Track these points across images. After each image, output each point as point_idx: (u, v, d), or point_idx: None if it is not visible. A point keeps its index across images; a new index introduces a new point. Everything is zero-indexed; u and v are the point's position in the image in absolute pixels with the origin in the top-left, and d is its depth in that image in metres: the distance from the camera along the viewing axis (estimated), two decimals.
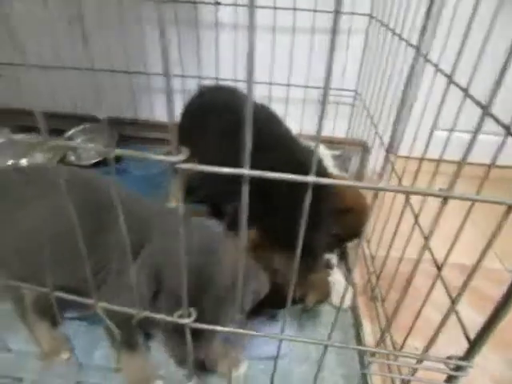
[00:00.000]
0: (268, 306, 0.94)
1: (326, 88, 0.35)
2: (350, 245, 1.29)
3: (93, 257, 0.59)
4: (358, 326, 1.03)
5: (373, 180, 1.39)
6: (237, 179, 0.79)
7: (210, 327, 0.58)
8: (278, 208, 0.91)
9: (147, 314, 0.57)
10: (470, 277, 0.53)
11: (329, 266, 1.19)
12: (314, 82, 1.54)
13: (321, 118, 0.38)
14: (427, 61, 0.84)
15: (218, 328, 0.57)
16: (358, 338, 1.00)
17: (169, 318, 0.57)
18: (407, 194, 0.42)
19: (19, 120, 1.62)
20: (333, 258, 1.18)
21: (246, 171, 0.40)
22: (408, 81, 0.48)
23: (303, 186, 0.83)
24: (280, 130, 1.13)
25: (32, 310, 0.90)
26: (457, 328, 0.61)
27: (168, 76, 0.33)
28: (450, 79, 0.72)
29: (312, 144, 1.21)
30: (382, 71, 1.22)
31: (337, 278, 1.16)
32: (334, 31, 0.33)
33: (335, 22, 0.32)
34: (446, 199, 0.40)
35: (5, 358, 0.85)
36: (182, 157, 0.39)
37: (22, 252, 0.78)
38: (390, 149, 0.52)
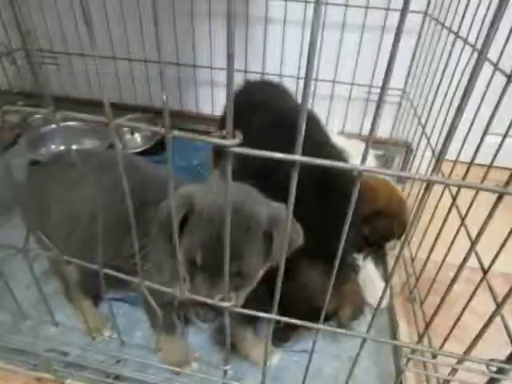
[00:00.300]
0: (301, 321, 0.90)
1: (385, 87, 0.35)
2: (389, 246, 1.28)
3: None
4: (394, 326, 1.02)
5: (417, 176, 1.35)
6: (268, 175, 0.79)
7: (249, 312, 0.60)
8: (306, 216, 0.87)
9: (188, 295, 0.59)
10: None
11: (354, 268, 1.15)
12: (360, 79, 1.52)
13: (374, 119, 0.38)
14: (487, 60, 0.81)
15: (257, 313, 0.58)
16: (394, 338, 0.99)
17: (209, 301, 0.59)
18: (459, 187, 0.41)
19: (72, 108, 1.70)
20: (359, 259, 1.14)
21: (297, 157, 0.40)
22: (470, 83, 0.44)
23: (332, 194, 0.81)
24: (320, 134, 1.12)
25: (77, 289, 0.94)
26: (495, 336, 0.59)
27: (231, 57, 0.34)
28: (509, 79, 0.70)
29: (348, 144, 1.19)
30: (433, 70, 1.20)
31: (372, 277, 1.14)
32: (399, 29, 0.33)
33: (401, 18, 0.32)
34: (501, 197, 0.39)
35: (52, 333, 0.89)
36: (236, 140, 0.40)
37: (71, 231, 0.82)
38: (442, 154, 0.49)
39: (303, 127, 0.39)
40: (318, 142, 0.99)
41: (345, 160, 1.04)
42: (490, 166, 0.80)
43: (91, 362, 0.84)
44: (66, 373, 0.87)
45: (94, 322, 0.91)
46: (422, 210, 1.06)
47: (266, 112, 1.11)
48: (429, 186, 0.40)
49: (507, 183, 0.39)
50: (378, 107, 0.37)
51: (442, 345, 0.79)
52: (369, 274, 1.15)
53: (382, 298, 0.55)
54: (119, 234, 0.74)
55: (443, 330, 0.79)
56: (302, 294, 0.84)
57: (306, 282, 0.84)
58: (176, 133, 0.41)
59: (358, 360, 0.93)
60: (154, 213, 0.69)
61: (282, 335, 0.93)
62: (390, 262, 1.24)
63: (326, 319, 0.89)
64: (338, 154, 1.01)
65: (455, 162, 0.94)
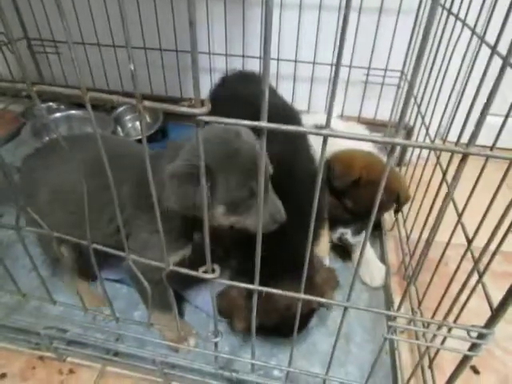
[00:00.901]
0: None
1: None
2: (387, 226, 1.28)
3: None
4: (389, 304, 1.03)
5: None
6: None
7: (233, 283, 0.61)
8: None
9: (175, 268, 0.61)
10: (497, 248, 0.53)
11: (343, 242, 1.15)
12: (359, 61, 1.51)
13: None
14: (484, 43, 0.80)
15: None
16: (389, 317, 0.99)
17: (193, 273, 0.60)
18: (432, 150, 0.41)
19: (75, 97, 1.72)
20: (347, 233, 1.13)
21: (263, 124, 0.41)
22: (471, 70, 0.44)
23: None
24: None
25: (72, 271, 0.97)
26: (482, 307, 0.60)
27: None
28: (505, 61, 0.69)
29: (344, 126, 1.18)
30: (432, 51, 1.19)
31: (369, 257, 1.15)
32: None
33: None
34: (465, 156, 0.40)
35: (53, 313, 0.92)
36: (205, 109, 0.42)
37: (56, 208, 0.84)
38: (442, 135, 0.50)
39: (267, 93, 0.40)
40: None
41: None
42: (492, 147, 0.79)
43: (91, 340, 0.87)
44: (67, 351, 0.90)
45: (92, 302, 0.93)
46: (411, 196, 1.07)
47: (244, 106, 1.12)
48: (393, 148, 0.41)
49: (470, 142, 0.40)
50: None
51: (432, 317, 0.80)
52: (365, 253, 1.16)
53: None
54: (100, 210, 0.77)
55: (440, 307, 0.80)
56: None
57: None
58: (147, 103, 0.43)
59: (352, 336, 0.96)
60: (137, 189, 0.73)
61: None
62: (388, 242, 1.25)
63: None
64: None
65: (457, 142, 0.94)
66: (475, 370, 0.92)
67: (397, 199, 1.12)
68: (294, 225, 0.74)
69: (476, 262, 0.52)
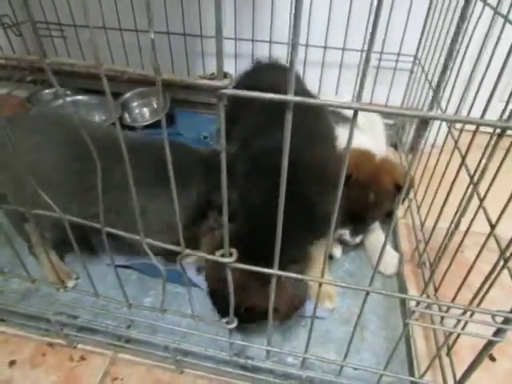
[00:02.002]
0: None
1: None
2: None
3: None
4: (403, 291, 1.01)
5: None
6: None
7: (252, 267, 0.59)
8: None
9: (191, 252, 0.59)
10: None
11: (343, 242, 1.12)
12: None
13: None
14: (508, 21, 0.77)
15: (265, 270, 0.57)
16: (403, 304, 0.98)
17: (209, 256, 0.58)
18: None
19: (81, 83, 1.70)
20: (345, 234, 1.10)
21: (289, 97, 0.39)
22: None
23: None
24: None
25: (40, 243, 0.96)
26: (501, 295, 0.58)
27: None
28: None
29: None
30: (446, 34, 1.16)
31: (381, 242, 1.13)
32: None
33: None
34: (503, 131, 0.37)
35: (62, 296, 0.91)
36: (227, 82, 0.39)
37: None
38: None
39: (294, 64, 0.37)
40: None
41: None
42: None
43: (102, 326, 0.86)
44: (77, 337, 0.89)
45: (58, 273, 0.90)
46: (426, 182, 1.04)
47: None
48: (427, 122, 0.39)
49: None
50: None
51: (455, 296, 0.78)
52: (378, 240, 1.14)
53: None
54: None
55: (452, 295, 0.78)
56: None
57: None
58: (166, 76, 0.40)
59: (367, 324, 0.95)
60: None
61: None
62: (401, 230, 1.23)
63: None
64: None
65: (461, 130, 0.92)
66: (491, 357, 0.90)
67: (397, 189, 1.05)
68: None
69: (508, 246, 0.50)
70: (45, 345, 0.91)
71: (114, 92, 1.52)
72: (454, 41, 0.37)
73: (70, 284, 0.99)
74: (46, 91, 1.69)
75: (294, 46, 0.37)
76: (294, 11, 0.34)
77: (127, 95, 1.68)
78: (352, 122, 0.40)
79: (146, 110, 1.74)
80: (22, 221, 0.93)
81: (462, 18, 0.35)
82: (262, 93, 0.40)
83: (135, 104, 1.72)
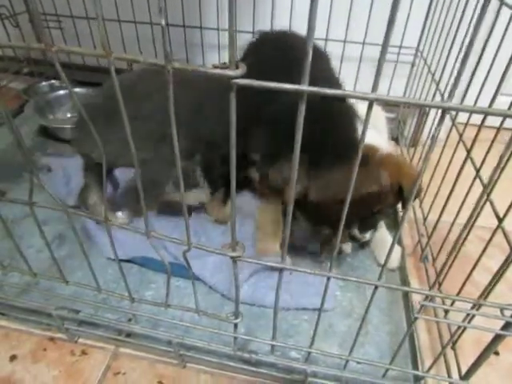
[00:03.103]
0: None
1: None
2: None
3: None
4: (405, 285, 1.01)
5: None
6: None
7: (258, 261, 0.59)
8: None
9: (195, 245, 0.58)
10: None
11: (352, 238, 1.07)
12: (372, 38, 1.46)
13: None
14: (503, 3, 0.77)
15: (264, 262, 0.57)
16: (406, 298, 0.98)
17: (217, 251, 0.58)
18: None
19: (78, 75, 1.68)
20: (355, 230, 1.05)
21: (304, 87, 0.38)
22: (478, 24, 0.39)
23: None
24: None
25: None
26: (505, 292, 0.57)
27: None
28: None
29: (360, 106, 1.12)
30: (449, 26, 1.14)
31: (384, 238, 1.12)
32: None
33: None
34: None
35: (64, 293, 0.90)
36: (240, 71, 0.38)
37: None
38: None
39: (310, 53, 0.36)
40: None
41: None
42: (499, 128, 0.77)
43: (103, 320, 0.85)
44: (78, 331, 0.88)
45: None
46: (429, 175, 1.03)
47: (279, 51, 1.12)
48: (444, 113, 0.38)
49: None
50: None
51: (461, 289, 0.78)
52: (381, 235, 1.13)
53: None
54: None
55: (456, 290, 0.78)
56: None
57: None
58: (177, 64, 0.39)
59: (370, 318, 0.95)
60: None
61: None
62: (404, 224, 1.22)
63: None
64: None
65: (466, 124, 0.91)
66: (495, 351, 0.90)
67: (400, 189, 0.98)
68: None
69: None
70: (46, 339, 0.90)
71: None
72: (470, 44, 0.36)
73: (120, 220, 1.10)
74: (43, 83, 1.67)
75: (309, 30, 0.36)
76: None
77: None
78: (367, 113, 0.39)
79: None
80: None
81: (480, 19, 0.33)
82: (275, 83, 0.38)
83: None
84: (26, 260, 0.78)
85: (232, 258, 0.56)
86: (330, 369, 0.77)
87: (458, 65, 1.00)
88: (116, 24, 1.57)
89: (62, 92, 1.57)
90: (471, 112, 0.35)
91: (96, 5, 0.37)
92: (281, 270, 0.57)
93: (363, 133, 0.41)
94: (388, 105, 1.55)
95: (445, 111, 0.38)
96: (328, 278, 0.56)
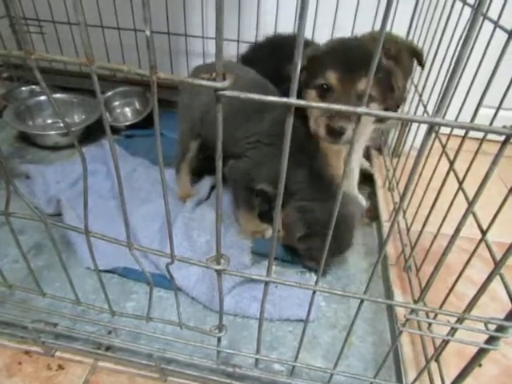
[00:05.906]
0: None
1: None
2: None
3: None
4: (389, 296, 1.01)
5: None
6: None
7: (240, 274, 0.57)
8: None
9: (179, 259, 0.57)
10: None
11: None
12: None
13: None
14: (486, 18, 0.78)
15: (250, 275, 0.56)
16: (390, 309, 0.98)
17: (201, 264, 0.56)
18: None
19: (59, 80, 1.65)
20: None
21: (293, 100, 0.37)
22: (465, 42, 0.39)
23: None
24: None
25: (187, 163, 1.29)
26: (489, 303, 0.58)
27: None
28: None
29: None
30: (432, 35, 1.16)
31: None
32: None
33: None
34: (508, 138, 0.37)
35: (40, 305, 0.87)
36: (226, 83, 0.38)
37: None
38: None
39: (299, 66, 0.36)
40: None
41: None
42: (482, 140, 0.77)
43: (81, 333, 0.82)
44: (55, 345, 0.85)
45: (184, 190, 1.29)
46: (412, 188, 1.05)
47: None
48: (431, 128, 0.38)
49: None
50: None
51: (444, 301, 0.78)
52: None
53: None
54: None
55: (439, 301, 0.78)
56: None
57: None
58: (162, 74, 0.38)
59: (354, 328, 0.94)
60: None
61: None
62: (386, 233, 1.23)
63: None
64: None
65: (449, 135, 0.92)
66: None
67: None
68: None
69: (504, 257, 0.49)
70: (21, 353, 0.86)
71: (91, 90, 1.50)
72: (457, 61, 0.35)
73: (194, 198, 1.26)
74: (23, 88, 1.64)
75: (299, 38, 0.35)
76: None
77: (108, 94, 1.64)
78: (356, 126, 0.38)
79: (127, 110, 1.70)
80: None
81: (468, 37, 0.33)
82: (262, 96, 0.38)
83: (117, 103, 1.68)
84: (1, 270, 0.75)
85: (216, 271, 0.55)
86: (314, 382, 0.76)
87: (440, 77, 1.03)
88: (99, 30, 1.55)
89: (42, 98, 1.54)
90: (461, 128, 0.35)
91: (77, 12, 0.35)
92: (266, 283, 0.56)
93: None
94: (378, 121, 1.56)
95: (432, 127, 0.38)
96: (314, 292, 0.55)
